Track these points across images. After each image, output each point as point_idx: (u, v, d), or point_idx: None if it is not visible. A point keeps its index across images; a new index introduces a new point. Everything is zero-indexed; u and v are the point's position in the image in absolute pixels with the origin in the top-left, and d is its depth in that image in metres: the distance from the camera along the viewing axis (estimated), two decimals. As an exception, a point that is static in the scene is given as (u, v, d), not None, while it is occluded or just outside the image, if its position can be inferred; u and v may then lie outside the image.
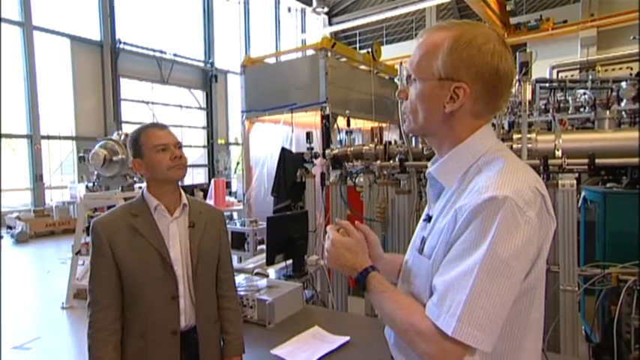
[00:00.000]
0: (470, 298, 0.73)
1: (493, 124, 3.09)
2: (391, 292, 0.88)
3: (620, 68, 10.74)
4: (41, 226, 9.59)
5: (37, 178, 10.50)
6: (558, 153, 2.57)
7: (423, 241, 0.90)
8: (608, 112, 2.79)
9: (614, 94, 6.37)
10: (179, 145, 1.47)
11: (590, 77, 7.05)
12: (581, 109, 6.60)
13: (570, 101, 6.72)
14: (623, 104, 5.49)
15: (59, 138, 11.08)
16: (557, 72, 10.57)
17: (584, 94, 6.72)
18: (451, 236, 0.79)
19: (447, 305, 0.75)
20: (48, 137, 10.79)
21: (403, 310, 0.83)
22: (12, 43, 10.02)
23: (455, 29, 0.83)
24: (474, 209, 0.75)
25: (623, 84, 5.78)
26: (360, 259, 0.94)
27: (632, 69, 10.25)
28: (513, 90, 3.42)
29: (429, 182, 0.96)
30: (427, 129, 0.90)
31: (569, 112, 6.58)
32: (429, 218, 0.93)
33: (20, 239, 8.97)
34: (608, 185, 3.27)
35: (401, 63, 3.49)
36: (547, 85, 7.09)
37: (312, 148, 4.00)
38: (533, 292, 0.82)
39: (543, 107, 6.91)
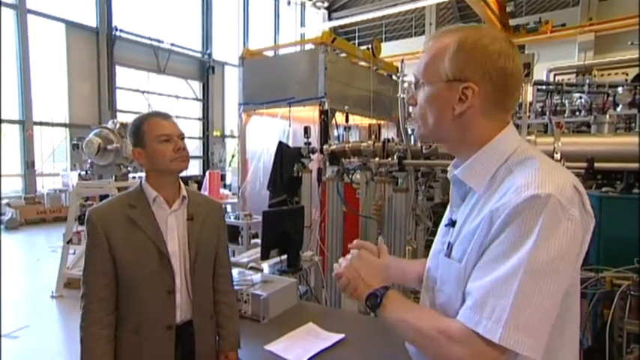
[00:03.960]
0: (515, 303, 0.69)
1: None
2: (413, 305, 0.87)
3: (617, 73, 10.80)
4: (32, 213, 9.47)
5: (29, 164, 10.34)
6: (557, 156, 2.58)
7: (450, 246, 0.87)
8: (607, 116, 2.80)
9: (610, 98, 6.42)
10: (182, 137, 1.43)
11: (587, 81, 7.09)
12: (577, 113, 6.64)
13: (567, 104, 6.76)
14: (618, 109, 5.53)
15: (52, 125, 10.92)
16: (554, 75, 10.62)
17: (580, 97, 6.77)
18: (486, 239, 0.76)
19: (489, 311, 0.71)
20: (40, 123, 10.62)
21: (430, 319, 0.80)
22: (5, 26, 9.81)
23: (460, 32, 0.84)
24: (514, 209, 0.72)
25: (620, 89, 5.81)
26: (379, 279, 0.92)
27: (627, 74, 10.33)
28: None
29: (452, 185, 0.93)
30: (438, 133, 0.89)
31: (566, 115, 6.62)
32: (452, 223, 0.90)
33: (10, 226, 8.86)
34: (603, 190, 3.28)
35: (402, 60, 3.48)
36: (544, 87, 7.12)
37: (309, 143, 3.98)
38: (572, 292, 0.79)
39: (540, 110, 6.95)
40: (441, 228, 0.97)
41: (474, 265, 0.77)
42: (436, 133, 0.89)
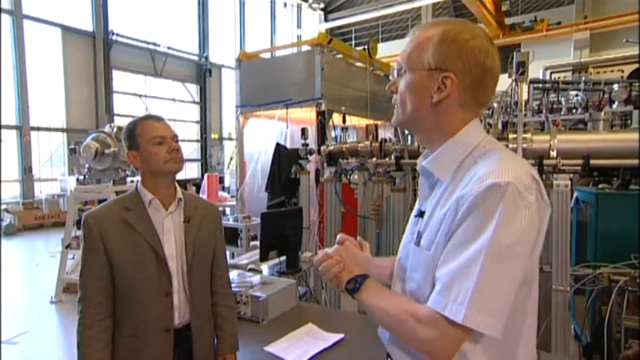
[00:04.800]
0: (478, 285, 0.74)
1: (489, 124, 3.11)
2: (389, 292, 0.94)
3: (612, 71, 10.86)
4: (30, 218, 9.45)
5: (26, 170, 10.32)
6: (553, 153, 2.59)
7: (419, 235, 0.91)
8: (602, 113, 2.81)
9: (606, 96, 6.45)
10: (176, 139, 1.44)
11: (583, 79, 7.12)
12: (574, 111, 6.66)
13: (563, 102, 6.78)
14: (614, 106, 5.55)
15: (49, 130, 10.90)
16: (551, 73, 10.66)
17: (577, 95, 6.79)
18: (452, 226, 0.80)
19: (455, 294, 0.75)
20: (38, 129, 10.60)
21: (402, 304, 0.86)
22: (1, 31, 9.80)
23: (445, 25, 0.88)
24: (476, 197, 0.76)
25: (615, 86, 5.83)
26: (359, 269, 0.98)
27: (623, 71, 10.37)
28: (509, 90, 3.43)
29: (421, 176, 0.98)
30: (415, 120, 0.92)
31: (562, 113, 6.63)
32: (421, 213, 0.94)
33: (8, 232, 8.83)
34: (600, 186, 3.29)
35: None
36: (540, 85, 7.14)
37: (307, 145, 3.98)
38: (532, 276, 0.84)
39: (536, 108, 6.97)
40: (411, 219, 1.01)
41: (442, 251, 0.81)
42: (413, 120, 0.92)
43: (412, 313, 0.81)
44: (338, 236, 1.08)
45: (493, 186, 0.75)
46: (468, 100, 0.87)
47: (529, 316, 0.86)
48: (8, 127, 10.15)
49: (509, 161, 0.80)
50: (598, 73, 10.91)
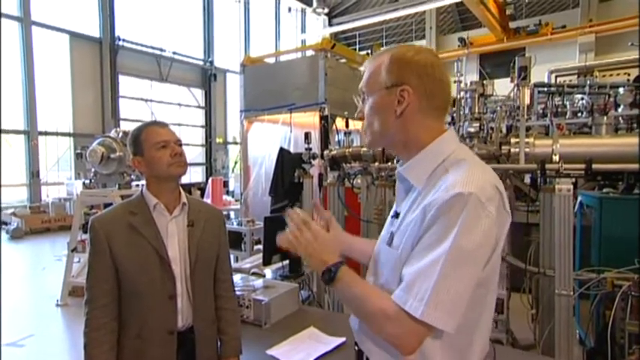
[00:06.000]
0: (436, 285, 0.82)
1: (492, 128, 3.12)
2: (362, 283, 0.98)
3: (618, 74, 10.79)
4: (37, 222, 9.53)
5: (34, 174, 10.45)
6: (556, 158, 2.59)
7: (392, 235, 0.99)
8: (605, 117, 2.80)
9: (612, 99, 6.41)
10: (179, 143, 1.47)
11: (588, 82, 7.08)
12: (579, 114, 6.62)
13: (568, 106, 6.75)
14: (620, 110, 5.52)
15: (56, 134, 11.03)
16: (556, 77, 10.61)
17: (582, 99, 6.75)
18: (420, 230, 0.87)
19: (415, 292, 0.84)
20: (45, 133, 10.73)
21: (373, 297, 0.92)
22: (10, 38, 9.96)
23: (391, 50, 0.99)
24: (441, 205, 0.84)
25: (621, 90, 5.79)
26: (331, 255, 0.98)
27: (629, 75, 10.31)
28: (512, 94, 3.44)
29: (398, 180, 1.05)
30: (384, 137, 1.00)
31: (567, 116, 6.61)
32: (396, 215, 1.02)
33: (15, 235, 8.92)
34: (604, 190, 3.28)
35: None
36: (545, 89, 7.12)
37: (310, 149, 4.00)
38: (489, 280, 0.92)
39: (541, 112, 6.95)
40: (388, 219, 1.09)
41: (409, 253, 0.90)
42: (383, 136, 1.00)
43: (382, 308, 0.88)
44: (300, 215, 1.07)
45: (457, 195, 0.82)
46: (426, 105, 0.95)
47: (484, 314, 0.94)
48: (17, 131, 10.30)
49: (476, 172, 0.88)
50: (604, 76, 10.85)
